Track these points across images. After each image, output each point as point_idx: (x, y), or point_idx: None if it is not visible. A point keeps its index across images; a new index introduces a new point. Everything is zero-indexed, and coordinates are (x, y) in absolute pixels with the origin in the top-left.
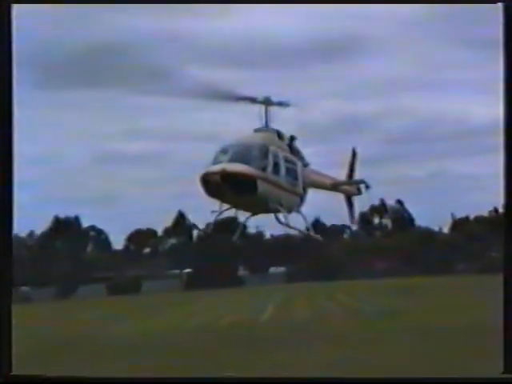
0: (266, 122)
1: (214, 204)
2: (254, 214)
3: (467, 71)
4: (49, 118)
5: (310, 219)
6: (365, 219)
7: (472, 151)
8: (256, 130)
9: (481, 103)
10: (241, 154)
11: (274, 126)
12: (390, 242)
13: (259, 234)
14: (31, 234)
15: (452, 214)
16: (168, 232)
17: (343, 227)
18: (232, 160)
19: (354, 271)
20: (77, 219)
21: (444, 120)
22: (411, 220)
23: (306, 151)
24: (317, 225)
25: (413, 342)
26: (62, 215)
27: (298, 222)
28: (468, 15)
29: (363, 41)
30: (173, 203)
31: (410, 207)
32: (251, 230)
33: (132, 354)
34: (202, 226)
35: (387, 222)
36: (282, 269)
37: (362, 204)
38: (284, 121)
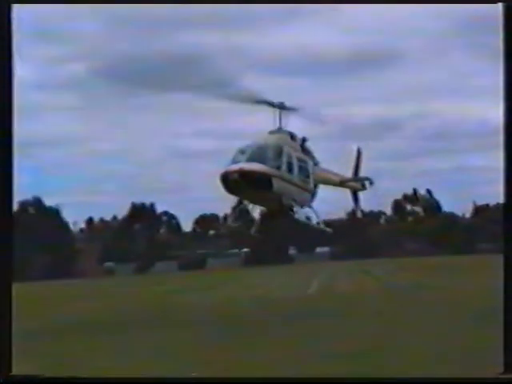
0: (280, 125)
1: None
2: (269, 209)
3: (487, 79)
4: (130, 119)
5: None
6: (398, 206)
7: (491, 147)
8: (270, 132)
9: (498, 106)
10: (257, 154)
11: (321, 126)
12: (420, 225)
13: (307, 219)
14: (115, 217)
15: (474, 202)
16: (229, 216)
17: (379, 213)
18: (249, 160)
19: (389, 251)
20: (152, 206)
21: (467, 121)
22: (438, 207)
23: (354, 146)
24: (354, 211)
25: (442, 311)
26: (139, 202)
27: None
28: (487, 29)
29: (398, 53)
30: None
31: (438, 196)
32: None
33: (198, 322)
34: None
35: (418, 208)
36: (326, 248)
37: (375, 199)
38: (332, 121)
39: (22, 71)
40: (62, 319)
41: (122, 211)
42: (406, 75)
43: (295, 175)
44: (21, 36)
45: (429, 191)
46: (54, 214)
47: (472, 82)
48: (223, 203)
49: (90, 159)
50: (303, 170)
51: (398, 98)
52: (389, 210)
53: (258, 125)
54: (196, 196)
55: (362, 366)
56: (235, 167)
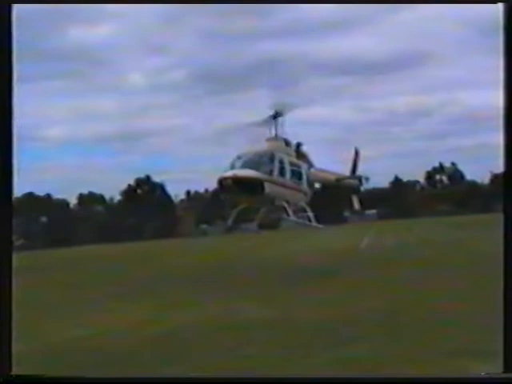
0: (276, 132)
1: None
2: (265, 207)
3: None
4: (219, 113)
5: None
6: (429, 176)
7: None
8: (267, 140)
9: None
10: (251, 160)
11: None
12: (448, 191)
13: (357, 187)
14: (206, 190)
15: (491, 172)
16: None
17: (415, 182)
18: (244, 165)
19: (424, 212)
20: (207, 191)
21: (487, 106)
22: (462, 176)
23: (395, 129)
24: (396, 181)
25: (475, 256)
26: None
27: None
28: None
29: (429, 53)
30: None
31: (461, 167)
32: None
33: (276, 268)
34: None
35: (445, 177)
36: (374, 211)
37: (411, 171)
38: (376, 111)
39: (134, 79)
40: (168, 270)
41: (213, 185)
42: (435, 71)
43: (288, 178)
44: (137, 50)
45: (453, 164)
46: (160, 188)
47: (490, 76)
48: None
49: (188, 145)
50: (296, 173)
51: (429, 90)
52: (422, 180)
53: (323, 116)
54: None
55: (408, 293)
56: (229, 173)
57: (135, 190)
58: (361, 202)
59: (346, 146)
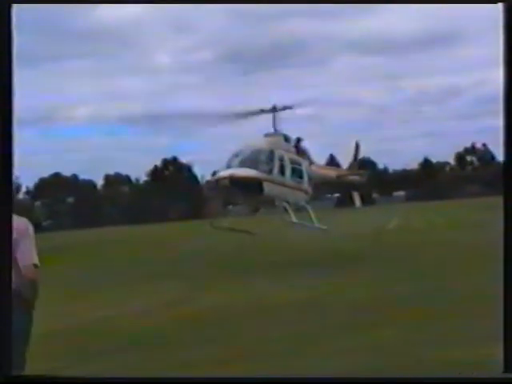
0: (275, 127)
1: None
2: (264, 208)
3: None
4: (245, 93)
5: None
6: (459, 157)
7: None
8: (266, 135)
9: None
10: (249, 158)
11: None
12: (478, 173)
13: (385, 169)
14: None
15: None
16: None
17: (445, 163)
18: (241, 164)
19: (454, 193)
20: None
21: None
22: (493, 157)
23: (426, 109)
24: (425, 162)
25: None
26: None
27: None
28: None
29: (460, 33)
30: (325, 151)
31: (492, 148)
32: (380, 166)
33: (300, 253)
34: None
35: (475, 159)
36: (402, 192)
37: (441, 152)
38: (407, 90)
39: (161, 59)
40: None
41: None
42: (468, 50)
43: (288, 177)
44: (164, 30)
45: (484, 145)
46: (187, 169)
47: None
48: (321, 157)
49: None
50: (296, 171)
51: (461, 70)
52: (452, 161)
53: (351, 93)
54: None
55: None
56: (226, 173)
57: (162, 171)
58: (363, 199)
59: (376, 127)
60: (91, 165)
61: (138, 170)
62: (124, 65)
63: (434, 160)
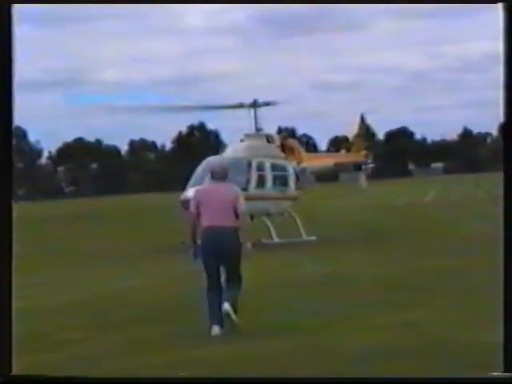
0: (256, 126)
1: None
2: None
3: None
4: (280, 57)
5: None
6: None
7: None
8: (246, 136)
9: None
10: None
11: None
12: None
13: (423, 139)
14: None
15: None
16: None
17: (486, 134)
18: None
19: (494, 166)
20: (293, 129)
21: None
22: None
23: (468, 77)
24: (465, 132)
25: None
26: (283, 126)
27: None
28: None
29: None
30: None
31: None
32: (418, 136)
33: (327, 223)
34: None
35: None
36: (440, 164)
37: (483, 123)
38: (448, 57)
39: (193, 20)
40: None
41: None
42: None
43: (269, 188)
44: None
45: None
46: (214, 136)
47: None
48: (352, 127)
49: (246, 91)
50: (280, 179)
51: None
52: (495, 132)
53: (387, 59)
54: (332, 121)
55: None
56: (189, 197)
57: (188, 137)
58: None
59: (415, 95)
60: (116, 130)
61: (164, 136)
62: (153, 27)
63: (474, 131)
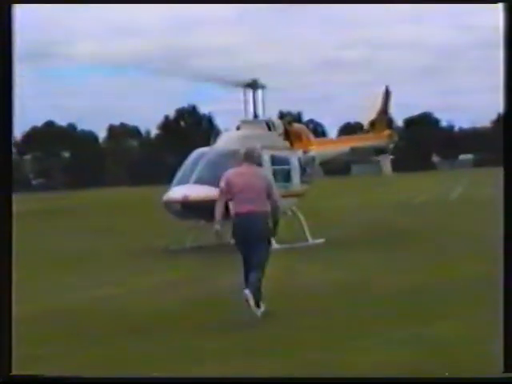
0: (255, 111)
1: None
2: None
3: None
4: (282, 32)
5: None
6: None
7: None
8: (242, 123)
9: None
10: (212, 169)
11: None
12: None
13: (450, 127)
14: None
15: None
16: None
17: None
18: (200, 178)
19: None
20: (299, 114)
21: None
22: None
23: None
24: (499, 119)
25: None
26: (285, 111)
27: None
28: None
29: None
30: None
31: None
32: (443, 123)
33: (338, 224)
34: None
35: None
36: (469, 156)
37: None
38: (482, 30)
39: None
40: None
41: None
42: None
43: None
44: None
45: None
46: (208, 121)
47: None
48: (369, 112)
49: (242, 70)
50: (281, 173)
51: None
52: None
53: (407, 33)
54: (343, 105)
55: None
56: (177, 196)
57: (177, 122)
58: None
59: (442, 76)
60: (93, 114)
61: (149, 120)
62: None
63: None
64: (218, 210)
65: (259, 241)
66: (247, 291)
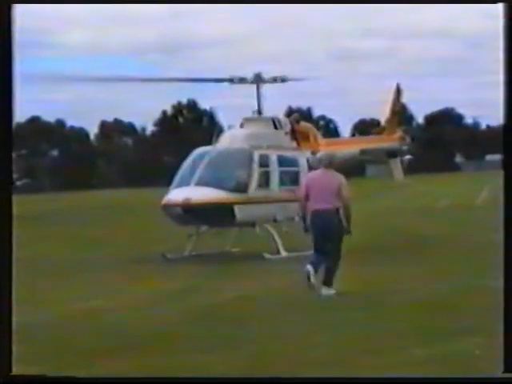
0: (259, 108)
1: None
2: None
3: None
4: (296, 19)
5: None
6: None
7: None
8: (246, 120)
9: None
10: (215, 169)
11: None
12: None
13: (476, 124)
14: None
15: None
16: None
17: None
18: (202, 180)
19: None
20: (309, 110)
21: None
22: None
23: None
24: None
25: None
26: (294, 106)
27: None
28: None
29: None
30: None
31: None
32: (468, 120)
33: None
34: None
35: None
36: (498, 156)
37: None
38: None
39: None
40: None
41: (278, 114)
42: None
43: (275, 187)
44: None
45: None
46: (209, 117)
47: None
48: (384, 107)
49: (249, 60)
50: (289, 175)
51: None
52: None
53: (431, 22)
54: (358, 100)
55: None
56: (178, 198)
57: (175, 118)
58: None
59: (466, 67)
60: (84, 108)
61: (145, 116)
62: None
63: None
64: (303, 214)
65: (333, 235)
66: (309, 266)
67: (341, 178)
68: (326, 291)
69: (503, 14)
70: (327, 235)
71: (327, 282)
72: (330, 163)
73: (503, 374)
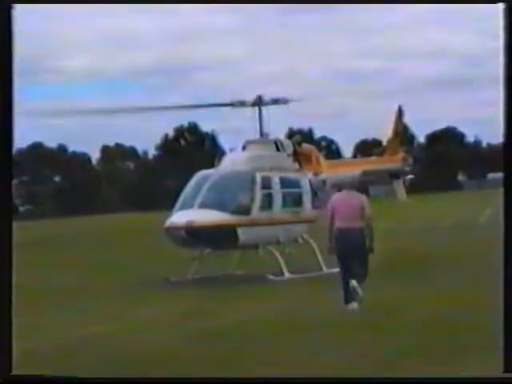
0: (261, 130)
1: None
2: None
3: None
4: (293, 39)
5: None
6: None
7: None
8: (248, 143)
9: None
10: (217, 192)
11: None
12: None
13: (477, 142)
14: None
15: None
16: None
17: None
18: (204, 202)
19: None
20: (310, 130)
21: None
22: None
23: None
24: None
25: None
26: (295, 127)
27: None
28: None
29: None
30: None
31: None
32: (469, 138)
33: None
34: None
35: None
36: (500, 174)
37: None
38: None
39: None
40: None
41: (278, 135)
42: None
43: (277, 209)
44: None
45: None
46: (211, 139)
47: None
48: (386, 127)
49: (248, 82)
50: (292, 197)
51: None
52: None
53: (430, 42)
54: (359, 120)
55: None
56: (181, 221)
57: (177, 142)
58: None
59: (466, 86)
60: (86, 133)
61: (147, 140)
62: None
63: None
64: (329, 234)
65: (358, 253)
66: (354, 282)
67: (363, 198)
68: (350, 306)
69: (503, 14)
70: (352, 254)
71: (349, 300)
72: (352, 184)
73: (503, 373)
